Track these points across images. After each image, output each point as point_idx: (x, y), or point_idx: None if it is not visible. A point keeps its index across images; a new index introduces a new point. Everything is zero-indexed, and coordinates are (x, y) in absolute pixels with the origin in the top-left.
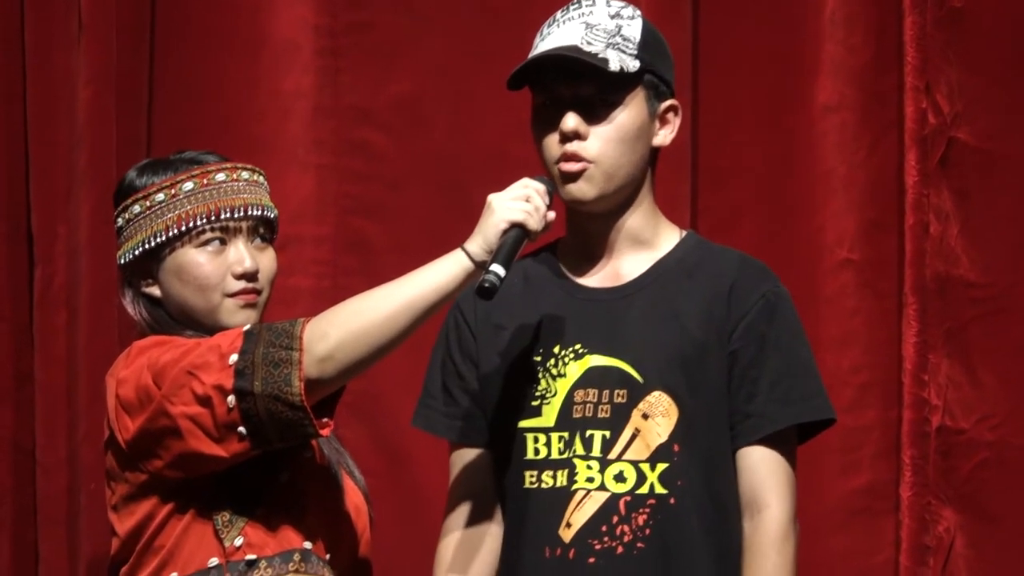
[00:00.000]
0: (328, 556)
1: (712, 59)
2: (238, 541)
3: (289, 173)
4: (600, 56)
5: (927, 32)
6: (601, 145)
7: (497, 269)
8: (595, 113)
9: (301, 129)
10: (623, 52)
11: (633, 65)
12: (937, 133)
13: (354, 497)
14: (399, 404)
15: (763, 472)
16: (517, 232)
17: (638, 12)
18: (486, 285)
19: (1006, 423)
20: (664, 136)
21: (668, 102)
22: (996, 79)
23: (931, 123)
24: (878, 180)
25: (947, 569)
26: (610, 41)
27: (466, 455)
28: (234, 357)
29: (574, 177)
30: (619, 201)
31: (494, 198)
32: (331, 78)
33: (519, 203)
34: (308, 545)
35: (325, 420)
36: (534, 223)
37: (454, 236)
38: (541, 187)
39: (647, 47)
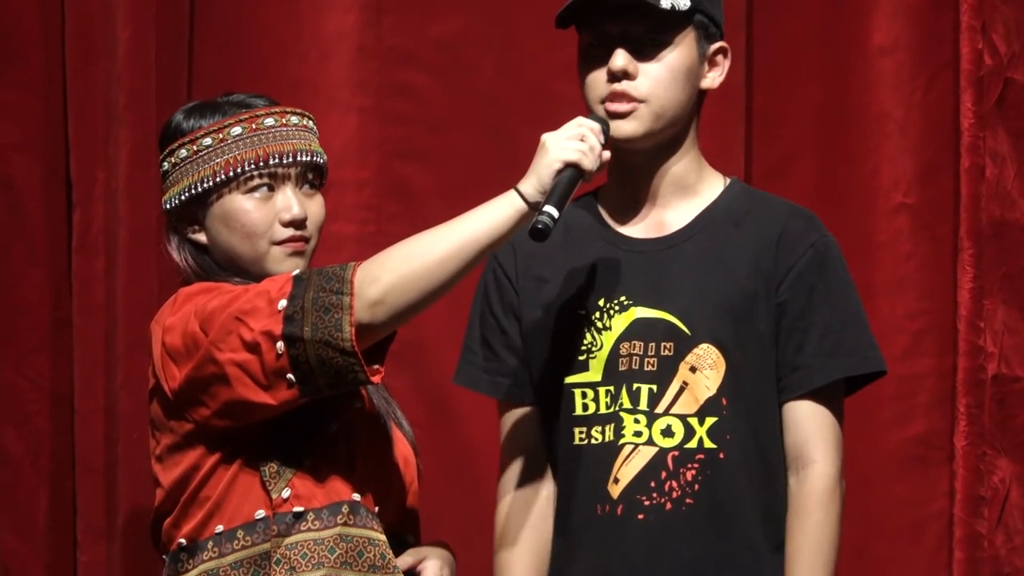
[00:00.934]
0: (377, 508)
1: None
2: (286, 493)
3: (331, 116)
4: None
5: None
6: (651, 84)
7: (551, 210)
8: (644, 52)
9: (343, 71)
10: None
11: (684, 3)
12: (993, 74)
13: (403, 448)
14: (443, 354)
15: (811, 427)
16: (572, 172)
17: None
18: (539, 227)
19: None
20: (713, 79)
21: (718, 44)
22: None
23: (987, 64)
24: (933, 122)
25: (1002, 520)
26: None
27: (515, 414)
28: (283, 303)
29: (622, 116)
30: (665, 141)
31: (548, 137)
32: (374, 18)
33: (574, 142)
34: (357, 497)
35: (376, 367)
36: (589, 163)
37: (499, 180)
38: (596, 126)
39: None
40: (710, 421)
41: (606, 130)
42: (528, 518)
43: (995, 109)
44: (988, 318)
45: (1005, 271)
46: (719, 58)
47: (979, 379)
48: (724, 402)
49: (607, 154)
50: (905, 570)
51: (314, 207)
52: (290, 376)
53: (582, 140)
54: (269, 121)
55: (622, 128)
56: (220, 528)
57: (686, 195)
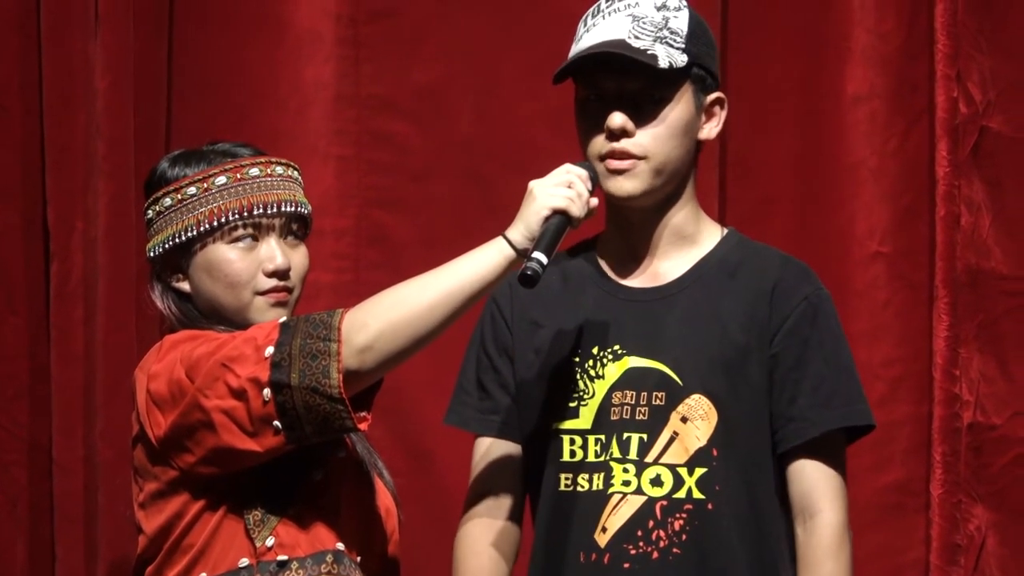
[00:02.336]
0: (359, 558)
1: (741, 47)
2: (270, 541)
3: (310, 164)
4: (649, 52)
5: (958, 19)
6: (650, 142)
7: (540, 257)
8: (642, 109)
9: (322, 119)
10: (671, 46)
11: (681, 60)
12: (969, 122)
13: (384, 498)
14: (421, 400)
15: (813, 477)
16: (560, 219)
17: (684, 2)
18: (528, 273)
19: None
20: (710, 129)
21: (714, 95)
22: None
23: (963, 112)
24: (909, 170)
25: (978, 568)
26: (658, 35)
27: (494, 446)
28: (270, 349)
29: (621, 173)
30: (664, 196)
31: (535, 184)
32: (353, 67)
33: (561, 189)
34: (341, 546)
35: (363, 414)
36: (577, 210)
37: (480, 227)
38: (583, 173)
39: (694, 39)
40: (699, 472)
41: (594, 177)
42: (493, 540)
43: (970, 157)
44: (964, 366)
45: (981, 319)
46: (716, 108)
47: (955, 427)
48: (714, 453)
49: (595, 201)
50: None
51: (298, 257)
52: (276, 423)
53: (569, 187)
54: (254, 171)
55: (623, 186)
56: None
57: (683, 245)
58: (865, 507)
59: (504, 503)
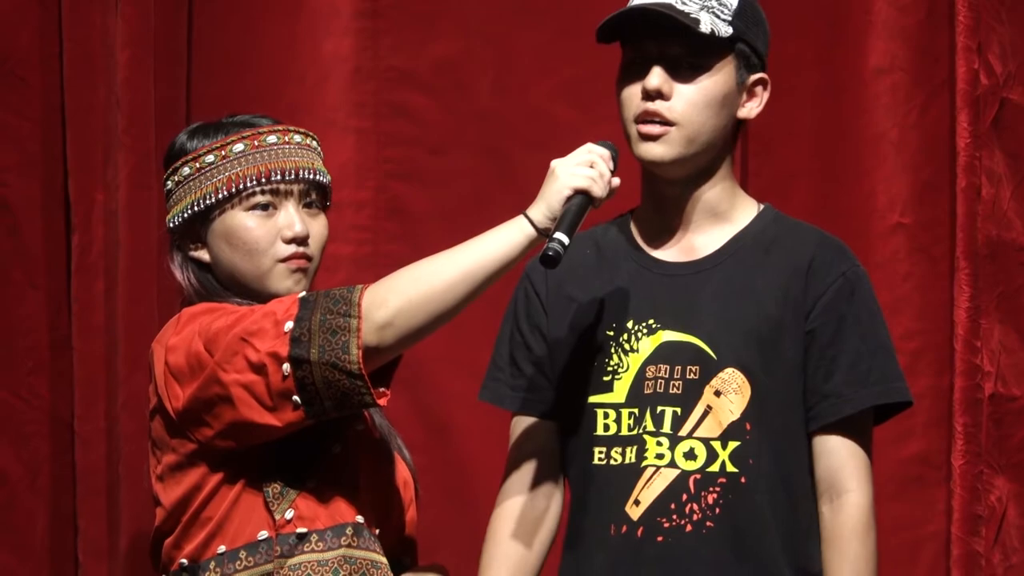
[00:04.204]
0: (377, 531)
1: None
2: (289, 514)
3: (328, 137)
4: (692, 16)
5: None
6: (684, 107)
7: (561, 237)
8: (681, 74)
9: (341, 92)
10: (717, 16)
11: (726, 31)
12: (989, 94)
13: (402, 471)
14: (440, 375)
15: (843, 455)
16: (581, 199)
17: None
18: (550, 253)
19: None
20: (750, 109)
21: (758, 75)
22: None
23: (983, 84)
24: (930, 143)
25: (999, 539)
26: (705, 4)
27: (528, 421)
28: (290, 324)
29: (653, 138)
30: (696, 168)
31: (557, 164)
32: (371, 40)
33: (583, 169)
34: (360, 519)
35: (382, 389)
36: (599, 190)
37: (496, 201)
38: (606, 152)
39: (743, 15)
40: (733, 445)
41: (615, 156)
42: (527, 523)
43: (991, 129)
44: (985, 338)
45: (1001, 291)
46: (758, 89)
47: (976, 398)
48: (748, 427)
49: (616, 180)
50: None
51: (317, 227)
52: (296, 398)
53: (591, 167)
54: (272, 139)
55: (653, 150)
56: (222, 548)
57: (718, 221)
58: (887, 479)
59: (539, 481)
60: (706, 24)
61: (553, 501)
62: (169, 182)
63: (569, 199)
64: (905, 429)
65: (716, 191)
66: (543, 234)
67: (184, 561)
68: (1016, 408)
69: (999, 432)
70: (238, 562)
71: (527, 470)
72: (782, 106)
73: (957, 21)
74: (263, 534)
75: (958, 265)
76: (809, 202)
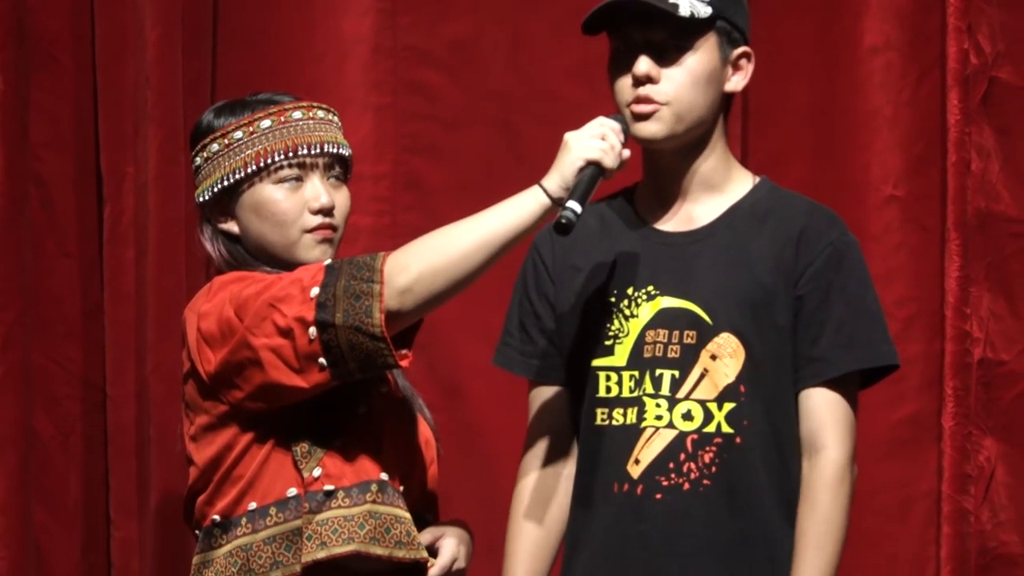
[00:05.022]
0: (401, 488)
1: (762, 2)
2: (316, 472)
3: (348, 114)
4: (671, 2)
5: None
6: (673, 88)
7: (574, 206)
8: (667, 57)
9: (360, 71)
10: None
11: (704, 11)
12: (979, 73)
13: (424, 431)
14: (456, 339)
15: (823, 414)
16: (593, 170)
17: None
18: (563, 221)
19: None
20: (736, 82)
21: (741, 49)
22: None
23: (973, 63)
24: (922, 119)
25: (988, 497)
26: None
27: (544, 393)
28: (315, 290)
29: (645, 117)
30: (690, 142)
31: (571, 136)
32: (389, 20)
33: (595, 141)
34: (384, 476)
35: (404, 352)
36: (610, 161)
37: (508, 175)
38: (616, 126)
39: None
40: (728, 407)
41: (626, 129)
42: (546, 494)
43: (981, 106)
44: (974, 305)
45: (990, 260)
46: (743, 62)
47: (966, 363)
48: (742, 389)
49: (627, 152)
50: (896, 545)
51: (340, 198)
52: (322, 360)
53: (603, 139)
54: (297, 115)
55: (646, 128)
56: (253, 505)
57: (714, 192)
58: (880, 440)
59: (556, 452)
60: (685, 7)
61: (570, 468)
62: (198, 158)
63: (582, 170)
64: (898, 392)
65: (710, 163)
66: (557, 203)
67: (216, 517)
68: (1004, 372)
69: (988, 395)
70: (268, 518)
71: (543, 444)
72: (781, 84)
73: (948, 3)
74: (292, 491)
75: (949, 236)
76: (806, 176)
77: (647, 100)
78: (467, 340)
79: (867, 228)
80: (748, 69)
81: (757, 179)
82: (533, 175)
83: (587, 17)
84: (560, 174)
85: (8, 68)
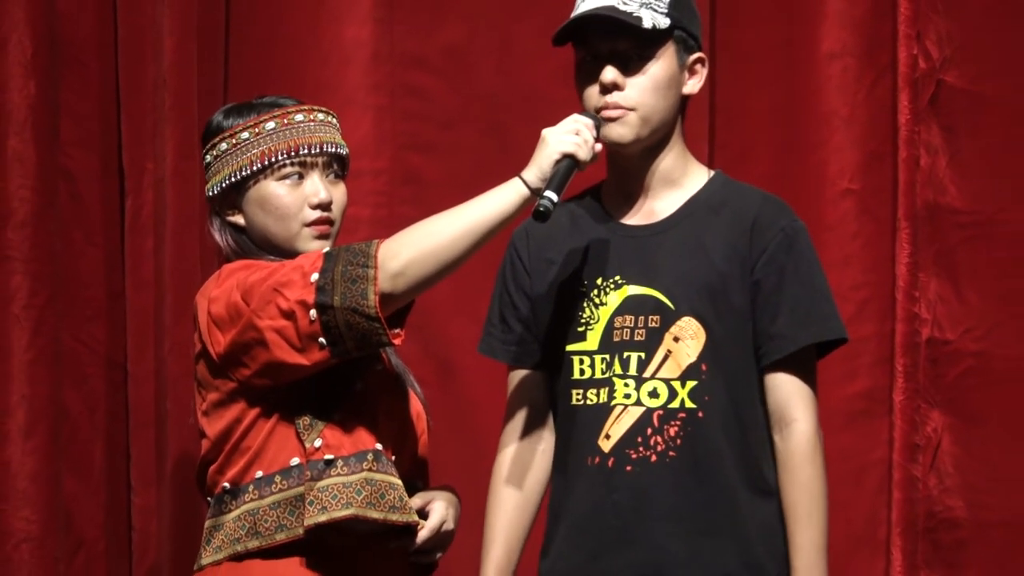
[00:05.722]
0: (394, 457)
1: (728, 11)
2: (317, 442)
3: (350, 114)
4: (634, 15)
5: None
6: (638, 94)
7: (551, 195)
8: (631, 66)
9: (360, 74)
10: (655, 11)
11: (664, 23)
12: (927, 76)
13: (415, 405)
14: (448, 321)
15: (789, 389)
16: (568, 162)
17: None
18: (541, 209)
19: (988, 335)
20: (692, 85)
21: (696, 55)
22: (979, 28)
23: (922, 67)
24: (875, 118)
25: (935, 465)
26: (643, 2)
27: (520, 375)
28: (315, 275)
29: (614, 121)
30: (653, 143)
31: (548, 132)
32: (387, 27)
33: (570, 136)
34: (379, 447)
35: (397, 331)
36: (584, 154)
37: (497, 170)
38: (589, 122)
39: (677, 6)
40: (691, 384)
41: (599, 125)
42: (523, 466)
43: (929, 107)
44: (923, 289)
45: (938, 248)
46: (697, 67)
47: (915, 342)
48: (703, 368)
49: (599, 146)
50: (851, 510)
51: (338, 193)
52: (322, 340)
53: (577, 134)
54: (299, 117)
55: (614, 131)
56: (260, 474)
57: (673, 187)
58: (836, 413)
59: (531, 428)
60: (647, 20)
61: (547, 443)
62: (208, 156)
63: (558, 162)
64: (852, 369)
65: (669, 159)
66: (535, 193)
67: (227, 485)
68: (949, 351)
69: (935, 372)
70: (273, 485)
71: (521, 420)
72: (746, 87)
73: (899, 12)
74: (295, 460)
75: (900, 226)
76: (769, 171)
77: (615, 106)
78: (458, 321)
79: (825, 219)
80: (702, 73)
81: (712, 173)
82: (520, 169)
83: (559, 30)
84: (538, 166)
85: (40, 73)
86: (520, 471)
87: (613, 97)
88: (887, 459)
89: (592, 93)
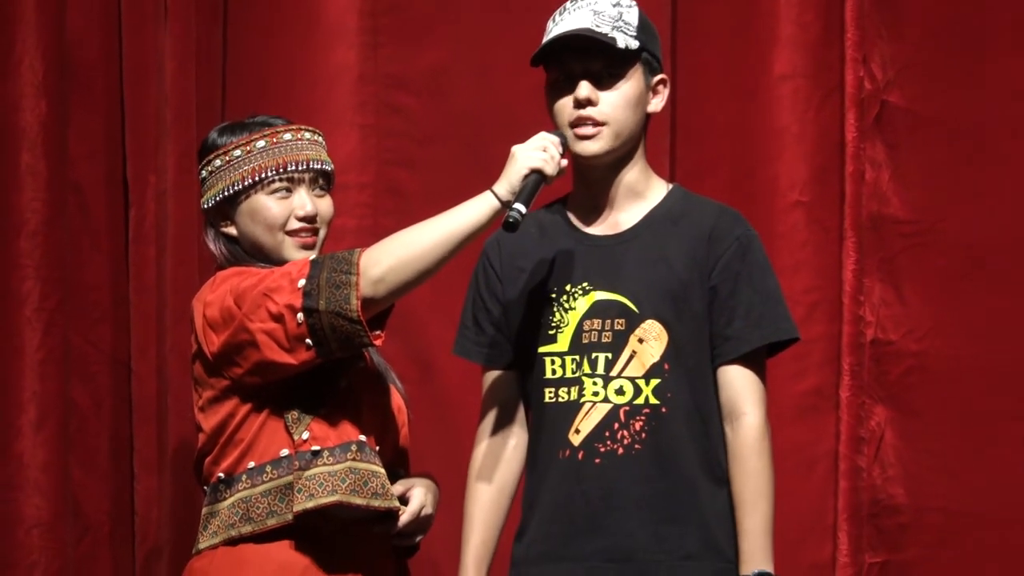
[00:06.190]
0: (377, 447)
1: (688, 35)
2: (305, 435)
3: (337, 131)
4: (609, 36)
5: (864, 12)
6: (610, 109)
7: (520, 207)
8: (603, 83)
9: (347, 95)
10: (625, 33)
11: (634, 44)
12: (872, 96)
13: (396, 399)
14: (427, 324)
15: (741, 385)
16: (536, 177)
17: (633, 2)
18: (510, 220)
19: (928, 336)
20: (656, 104)
21: (659, 76)
22: (920, 52)
23: (867, 88)
24: (823, 135)
25: (879, 456)
26: (615, 24)
27: (494, 376)
28: (302, 281)
29: (589, 138)
30: (620, 157)
31: (517, 148)
32: (372, 52)
33: (538, 152)
34: (363, 438)
35: (378, 333)
36: (550, 169)
37: (473, 184)
38: (556, 139)
39: (644, 30)
40: (654, 382)
41: (564, 142)
42: (496, 460)
43: (874, 125)
44: (868, 293)
45: (881, 256)
46: (660, 87)
47: (860, 343)
48: (666, 367)
49: (564, 162)
50: (800, 499)
51: (324, 205)
52: (308, 341)
53: (544, 151)
54: (287, 136)
55: (589, 147)
56: (252, 464)
57: (636, 199)
58: (787, 408)
59: (505, 424)
60: (620, 41)
61: (518, 438)
62: (204, 171)
63: (526, 177)
64: (802, 367)
65: (633, 173)
66: (506, 205)
67: (221, 475)
68: (892, 351)
69: (878, 370)
70: (264, 475)
71: (494, 418)
72: (703, 105)
73: (847, 37)
74: (284, 452)
75: (846, 235)
76: (726, 184)
77: (588, 120)
78: (435, 324)
79: (777, 228)
80: (664, 93)
81: (671, 186)
82: (493, 183)
83: (538, 50)
84: (508, 180)
85: (50, 93)
86: (494, 465)
87: (587, 111)
88: (834, 451)
89: (565, 108)
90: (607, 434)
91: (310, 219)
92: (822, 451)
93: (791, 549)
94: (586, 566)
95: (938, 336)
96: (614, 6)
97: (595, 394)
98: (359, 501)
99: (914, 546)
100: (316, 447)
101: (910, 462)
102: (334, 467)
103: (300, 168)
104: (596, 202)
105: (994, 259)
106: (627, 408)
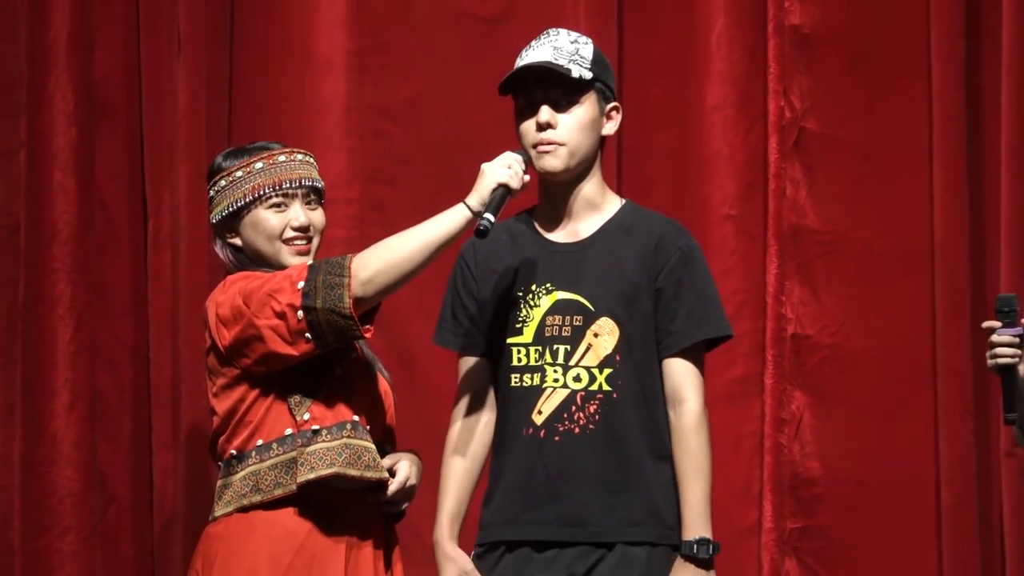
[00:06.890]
0: (368, 427)
1: (633, 71)
2: (306, 416)
3: (327, 153)
4: (566, 68)
5: (785, 51)
6: (567, 132)
7: (489, 217)
8: (561, 108)
9: (336, 121)
10: (581, 66)
11: (588, 75)
12: (792, 124)
13: (384, 385)
14: (409, 321)
15: (683, 375)
16: (503, 190)
17: (590, 40)
18: (481, 228)
19: (840, 331)
20: (609, 128)
21: (612, 103)
22: (833, 85)
23: (787, 116)
24: (750, 157)
25: (798, 435)
26: (572, 58)
27: (468, 363)
28: (301, 283)
29: (548, 154)
30: (578, 173)
31: (486, 166)
32: (357, 85)
33: (504, 169)
34: (356, 418)
35: (368, 327)
36: (515, 183)
37: (448, 198)
38: (519, 157)
39: (598, 63)
40: (607, 371)
41: (528, 160)
42: (470, 436)
43: (793, 148)
44: (788, 294)
45: (800, 261)
46: (613, 113)
47: (782, 336)
48: (618, 358)
49: (527, 177)
50: (731, 472)
51: (316, 217)
52: (307, 335)
53: (510, 167)
54: (282, 158)
55: (549, 163)
56: (260, 442)
57: (593, 211)
58: (718, 393)
59: (477, 405)
60: (575, 71)
61: (488, 417)
62: (211, 191)
63: (495, 190)
64: (732, 358)
65: (590, 187)
66: (476, 215)
67: (233, 452)
68: (809, 344)
69: (798, 360)
70: (271, 451)
71: (467, 399)
72: (647, 131)
73: (769, 72)
74: (288, 431)
75: (769, 243)
76: (666, 199)
77: (548, 141)
78: (418, 322)
79: (710, 238)
80: (617, 118)
81: (624, 201)
82: (465, 197)
83: (505, 78)
84: (478, 194)
85: (80, 122)
86: (467, 440)
87: (547, 134)
88: (759, 431)
89: (529, 131)
90: (565, 416)
91: (304, 229)
92: (749, 431)
93: (723, 515)
94: (547, 529)
95: (848, 331)
96: (572, 43)
97: (555, 380)
98: (354, 473)
99: (828, 512)
100: (316, 426)
101: (825, 440)
102: (332, 443)
103: (293, 185)
104: (558, 213)
105: (895, 264)
106: (583, 393)
